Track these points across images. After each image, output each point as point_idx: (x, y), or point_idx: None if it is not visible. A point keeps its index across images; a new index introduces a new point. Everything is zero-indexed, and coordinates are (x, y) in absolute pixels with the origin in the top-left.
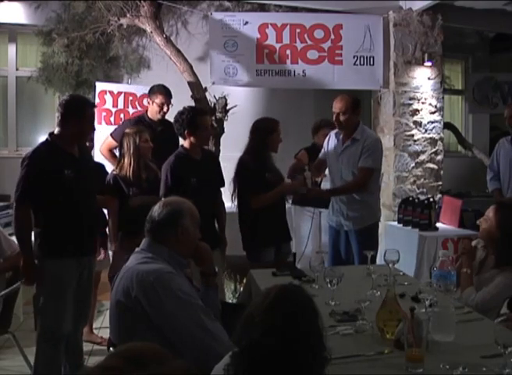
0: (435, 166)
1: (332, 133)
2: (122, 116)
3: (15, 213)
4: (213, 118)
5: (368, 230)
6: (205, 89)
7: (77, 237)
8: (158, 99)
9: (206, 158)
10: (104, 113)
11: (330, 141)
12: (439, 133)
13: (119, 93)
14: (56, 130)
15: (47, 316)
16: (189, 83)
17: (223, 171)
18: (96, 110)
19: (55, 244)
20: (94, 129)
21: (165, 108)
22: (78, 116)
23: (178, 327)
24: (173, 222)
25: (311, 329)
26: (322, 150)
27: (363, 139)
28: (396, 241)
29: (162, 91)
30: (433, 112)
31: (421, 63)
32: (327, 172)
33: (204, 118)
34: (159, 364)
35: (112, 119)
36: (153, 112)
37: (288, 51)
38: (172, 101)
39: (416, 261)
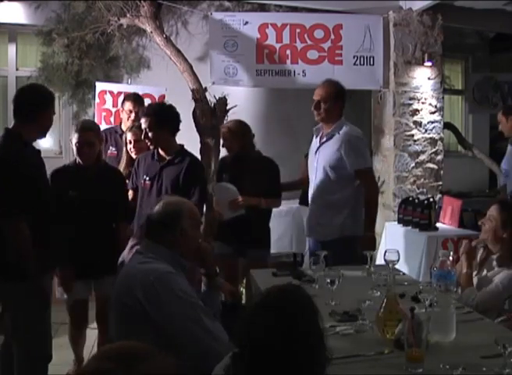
0: (435, 166)
1: (314, 130)
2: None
3: (13, 229)
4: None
5: (342, 242)
6: (205, 89)
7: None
8: (126, 106)
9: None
10: (104, 113)
11: (312, 139)
12: (439, 133)
13: (119, 93)
14: (16, 124)
15: (35, 342)
16: (189, 83)
17: None
18: (96, 110)
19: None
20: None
21: (132, 116)
22: (50, 107)
23: (178, 327)
24: (172, 223)
25: (311, 329)
26: None
27: (341, 135)
28: (396, 241)
29: (131, 98)
30: (433, 112)
31: (421, 63)
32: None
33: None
34: (150, 362)
35: (111, 119)
36: (124, 120)
37: (288, 51)
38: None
39: (416, 261)
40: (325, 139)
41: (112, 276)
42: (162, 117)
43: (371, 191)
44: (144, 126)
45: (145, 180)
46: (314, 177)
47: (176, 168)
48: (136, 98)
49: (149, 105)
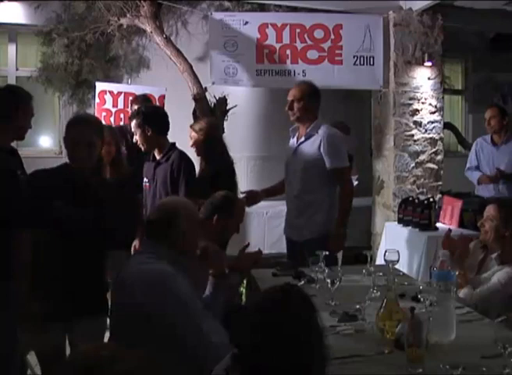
0: (435, 166)
1: (290, 130)
2: (122, 116)
3: None
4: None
5: (320, 241)
6: (205, 89)
7: None
8: (134, 108)
9: None
10: (104, 113)
11: (290, 141)
12: (439, 133)
13: (119, 93)
14: None
15: None
16: (189, 83)
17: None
18: (96, 110)
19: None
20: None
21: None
22: (26, 108)
23: (178, 328)
24: (168, 222)
25: (311, 329)
26: None
27: (320, 135)
28: (396, 241)
29: (138, 100)
30: (433, 112)
31: (421, 63)
32: None
33: None
34: (117, 364)
35: (111, 119)
36: None
37: (288, 51)
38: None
39: (416, 261)
40: (303, 139)
41: (94, 317)
42: (147, 117)
43: (346, 190)
44: (132, 129)
45: (145, 183)
46: (293, 178)
47: (165, 166)
48: (143, 100)
49: (135, 109)
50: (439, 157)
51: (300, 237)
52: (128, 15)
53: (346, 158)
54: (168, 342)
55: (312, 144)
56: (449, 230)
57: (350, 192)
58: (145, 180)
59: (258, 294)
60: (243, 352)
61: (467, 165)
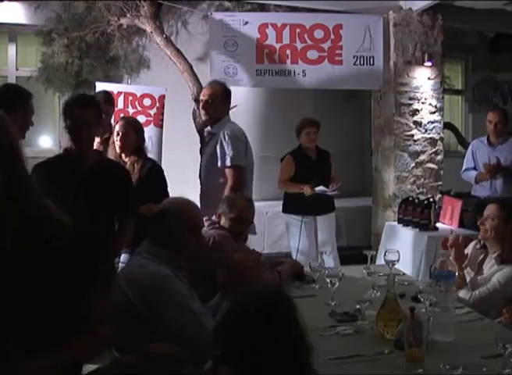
0: (435, 166)
1: (205, 132)
2: (121, 115)
3: None
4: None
5: None
6: None
7: None
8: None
9: None
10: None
11: None
12: (439, 133)
13: (119, 93)
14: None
15: None
16: (189, 83)
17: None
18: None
19: None
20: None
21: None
22: (25, 106)
23: (174, 331)
24: (158, 222)
25: (298, 326)
26: None
27: (218, 134)
28: (396, 241)
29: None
30: (433, 112)
31: (421, 63)
32: None
33: None
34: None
35: (111, 119)
36: None
37: (288, 51)
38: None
39: (416, 261)
40: (208, 139)
41: None
42: (100, 112)
43: (230, 189)
44: (81, 119)
45: None
46: (201, 176)
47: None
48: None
49: (82, 95)
50: (439, 157)
51: None
52: (128, 15)
53: (236, 157)
54: (169, 343)
55: (212, 143)
56: (451, 232)
57: (233, 191)
58: None
59: (244, 296)
60: (232, 354)
61: (464, 166)
